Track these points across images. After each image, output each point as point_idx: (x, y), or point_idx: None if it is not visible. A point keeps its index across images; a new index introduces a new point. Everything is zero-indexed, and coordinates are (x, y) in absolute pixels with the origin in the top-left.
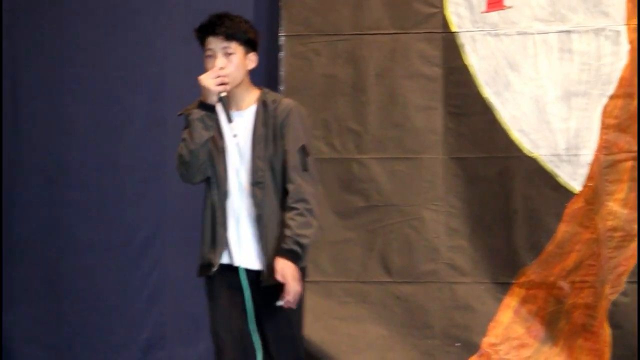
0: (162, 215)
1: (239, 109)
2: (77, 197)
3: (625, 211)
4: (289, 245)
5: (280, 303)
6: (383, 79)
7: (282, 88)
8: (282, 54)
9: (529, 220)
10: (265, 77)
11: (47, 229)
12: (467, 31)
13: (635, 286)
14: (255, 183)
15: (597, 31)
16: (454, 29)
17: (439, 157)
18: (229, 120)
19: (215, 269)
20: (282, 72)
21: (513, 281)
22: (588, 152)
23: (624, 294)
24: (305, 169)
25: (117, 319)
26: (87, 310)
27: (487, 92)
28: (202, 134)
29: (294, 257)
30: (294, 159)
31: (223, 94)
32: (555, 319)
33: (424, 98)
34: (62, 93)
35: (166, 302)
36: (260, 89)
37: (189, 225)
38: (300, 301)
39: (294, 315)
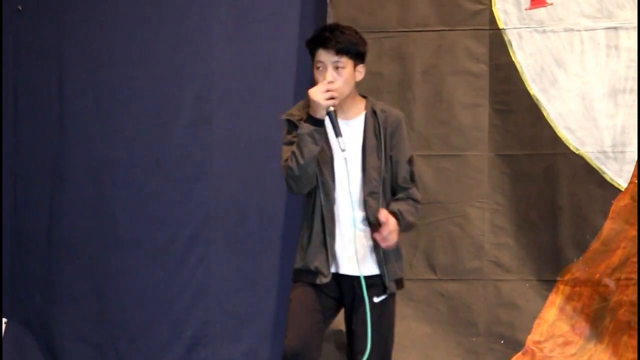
0: (207, 213)
1: (346, 118)
2: (122, 195)
3: None
4: (399, 214)
5: (376, 300)
6: (429, 76)
7: None
8: None
9: (575, 218)
10: (311, 74)
11: (93, 227)
12: (513, 28)
13: None
14: (370, 193)
15: None
16: (501, 25)
17: (485, 154)
18: (337, 134)
19: (328, 279)
20: None
21: (558, 278)
22: (634, 149)
23: (637, 292)
24: (412, 179)
25: (161, 317)
26: (132, 308)
27: (534, 89)
28: (311, 149)
29: (398, 221)
30: (403, 170)
31: (331, 109)
32: (600, 317)
33: (470, 95)
34: (108, 91)
35: (210, 300)
36: (366, 97)
37: (234, 224)
38: (392, 307)
39: (387, 318)
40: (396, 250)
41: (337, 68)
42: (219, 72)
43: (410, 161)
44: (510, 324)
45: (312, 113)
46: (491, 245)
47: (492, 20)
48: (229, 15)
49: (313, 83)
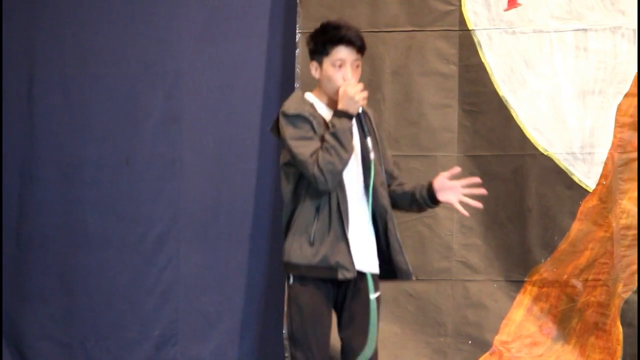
0: (177, 212)
1: None
2: (92, 193)
3: None
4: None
5: (373, 296)
6: (399, 76)
7: (297, 85)
8: (298, 51)
9: (543, 218)
10: (281, 73)
11: (62, 226)
12: (483, 29)
13: None
14: (382, 184)
15: (614, 29)
16: (470, 26)
17: (454, 155)
18: (365, 135)
19: (352, 275)
20: (298, 69)
21: (526, 279)
22: (603, 150)
23: (637, 292)
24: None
25: (130, 315)
26: (101, 307)
27: (503, 90)
28: (352, 144)
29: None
30: (389, 156)
31: (361, 108)
32: (567, 317)
33: (439, 96)
34: (78, 90)
35: (179, 299)
36: None
37: (203, 223)
38: (379, 310)
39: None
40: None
41: (357, 67)
42: (189, 70)
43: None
44: (478, 324)
45: (345, 109)
46: (460, 246)
47: (462, 21)
48: (199, 14)
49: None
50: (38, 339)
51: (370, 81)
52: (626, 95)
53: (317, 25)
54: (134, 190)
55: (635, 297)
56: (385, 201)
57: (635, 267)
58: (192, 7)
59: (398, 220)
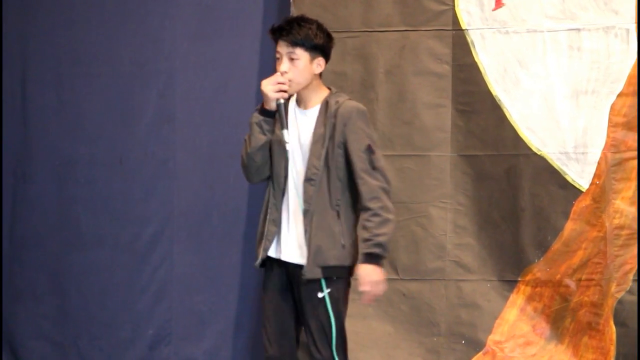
0: (170, 212)
1: (305, 108)
2: (85, 193)
3: (633, 209)
4: (370, 248)
5: (321, 295)
6: (392, 76)
7: None
8: None
9: (536, 218)
10: (274, 73)
11: (55, 225)
12: (477, 29)
13: None
14: (308, 180)
15: (607, 29)
16: (464, 26)
17: (447, 155)
18: (283, 126)
19: (257, 262)
20: None
21: (519, 279)
22: (596, 150)
23: (630, 292)
24: (373, 167)
25: (123, 315)
26: (94, 306)
27: (496, 89)
28: (258, 138)
29: (376, 259)
30: (360, 161)
31: (281, 101)
32: (560, 317)
33: (433, 95)
34: (71, 89)
35: (173, 298)
36: (330, 89)
37: (197, 222)
38: (343, 294)
39: (335, 307)
40: (330, 236)
41: (291, 59)
42: (182, 70)
43: (369, 150)
44: (471, 324)
45: (264, 104)
46: (453, 246)
47: (455, 20)
48: (193, 14)
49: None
50: (31, 338)
51: (363, 81)
52: (619, 95)
53: None
54: (128, 190)
55: (629, 297)
56: (310, 198)
57: (629, 267)
58: (185, 6)
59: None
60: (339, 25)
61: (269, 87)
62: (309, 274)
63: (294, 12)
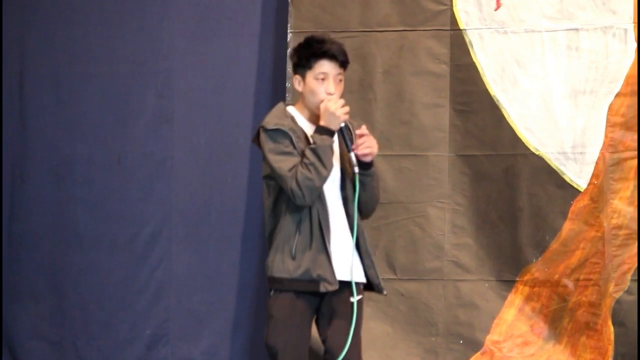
0: (168, 212)
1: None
2: (83, 193)
3: (631, 209)
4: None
5: (353, 300)
6: (390, 76)
7: (289, 85)
8: (290, 51)
9: (534, 218)
10: (273, 73)
11: (53, 225)
12: (475, 29)
13: (638, 284)
14: (350, 200)
15: (605, 29)
16: (462, 26)
17: (445, 155)
18: (349, 149)
19: (335, 287)
20: (290, 68)
21: (517, 279)
22: (594, 150)
23: (628, 292)
24: None
25: (121, 315)
26: (92, 306)
27: (494, 89)
28: (332, 162)
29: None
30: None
31: (343, 123)
32: (558, 317)
33: (431, 95)
34: (69, 89)
35: (171, 298)
36: None
37: (195, 222)
38: (361, 313)
39: (361, 311)
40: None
41: (339, 81)
42: (180, 70)
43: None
44: (469, 324)
45: (326, 124)
46: (451, 246)
47: (453, 20)
48: (191, 13)
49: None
50: (29, 338)
51: (362, 81)
52: (617, 95)
53: (309, 24)
54: (126, 190)
55: (627, 297)
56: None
57: (626, 266)
58: (183, 6)
59: (389, 220)
60: (337, 25)
61: (340, 109)
62: (381, 291)
63: (292, 12)
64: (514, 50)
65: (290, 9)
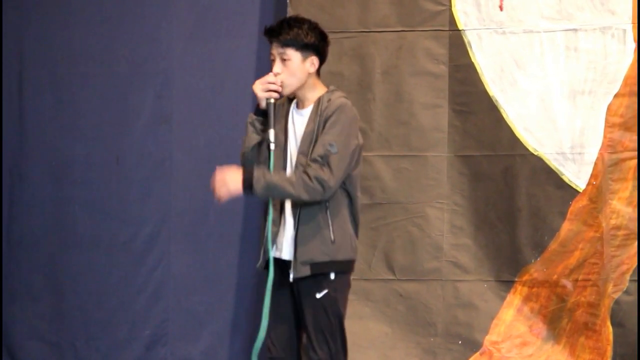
0: (167, 212)
1: (302, 107)
2: (81, 193)
3: (629, 210)
4: (261, 172)
5: (319, 295)
6: (389, 76)
7: None
8: None
9: (533, 218)
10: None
11: (51, 225)
12: (473, 29)
13: (638, 285)
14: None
15: (604, 29)
16: (460, 26)
17: (444, 155)
18: (270, 126)
19: (259, 263)
20: None
21: (516, 279)
22: (593, 150)
23: (627, 292)
24: (323, 163)
25: (120, 315)
26: (91, 306)
27: (493, 90)
28: (252, 138)
29: (249, 180)
30: (318, 149)
31: (271, 100)
32: (557, 317)
33: (429, 96)
34: (68, 89)
35: (169, 299)
36: (328, 88)
37: (193, 223)
38: (342, 295)
39: (333, 307)
40: (317, 232)
41: (283, 60)
42: (179, 70)
43: (330, 145)
44: (468, 325)
45: (258, 104)
46: (450, 246)
47: (452, 21)
48: (189, 14)
49: None
50: (27, 339)
51: (360, 81)
52: (616, 96)
53: None
54: (124, 190)
55: (626, 298)
56: None
57: (625, 267)
58: (182, 6)
59: (388, 220)
60: (336, 26)
61: (259, 87)
62: (296, 273)
63: (291, 12)
64: (512, 51)
65: (289, 9)
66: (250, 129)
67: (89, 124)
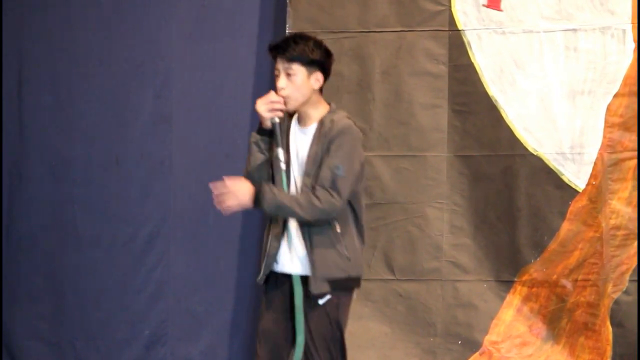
0: (166, 212)
1: (304, 126)
2: (81, 193)
3: (629, 210)
4: (271, 193)
5: (321, 302)
6: (389, 76)
7: None
8: None
9: (533, 219)
10: (271, 73)
11: (51, 225)
12: (473, 29)
13: (637, 285)
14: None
15: (603, 30)
16: (460, 26)
17: (444, 155)
18: (277, 144)
19: (260, 277)
20: None
21: (516, 279)
22: (592, 150)
23: (626, 292)
24: (333, 186)
25: (120, 315)
26: (90, 306)
27: (493, 90)
28: (257, 157)
29: (260, 195)
30: (324, 174)
31: (276, 120)
32: (557, 317)
33: (429, 96)
34: (67, 89)
35: (169, 299)
36: (330, 106)
37: (193, 223)
38: (342, 302)
39: (335, 317)
40: (332, 250)
41: (288, 75)
42: (178, 70)
43: (336, 169)
44: (468, 325)
45: (261, 123)
46: (450, 246)
47: (452, 21)
48: (189, 14)
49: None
50: (27, 339)
51: (360, 81)
52: (616, 96)
53: (307, 25)
54: (124, 190)
55: (625, 298)
56: None
57: (625, 267)
58: (181, 6)
59: (387, 221)
60: (336, 26)
61: (263, 106)
62: (315, 289)
63: (291, 12)
64: (512, 51)
65: (289, 9)
66: (255, 148)
67: (89, 124)
